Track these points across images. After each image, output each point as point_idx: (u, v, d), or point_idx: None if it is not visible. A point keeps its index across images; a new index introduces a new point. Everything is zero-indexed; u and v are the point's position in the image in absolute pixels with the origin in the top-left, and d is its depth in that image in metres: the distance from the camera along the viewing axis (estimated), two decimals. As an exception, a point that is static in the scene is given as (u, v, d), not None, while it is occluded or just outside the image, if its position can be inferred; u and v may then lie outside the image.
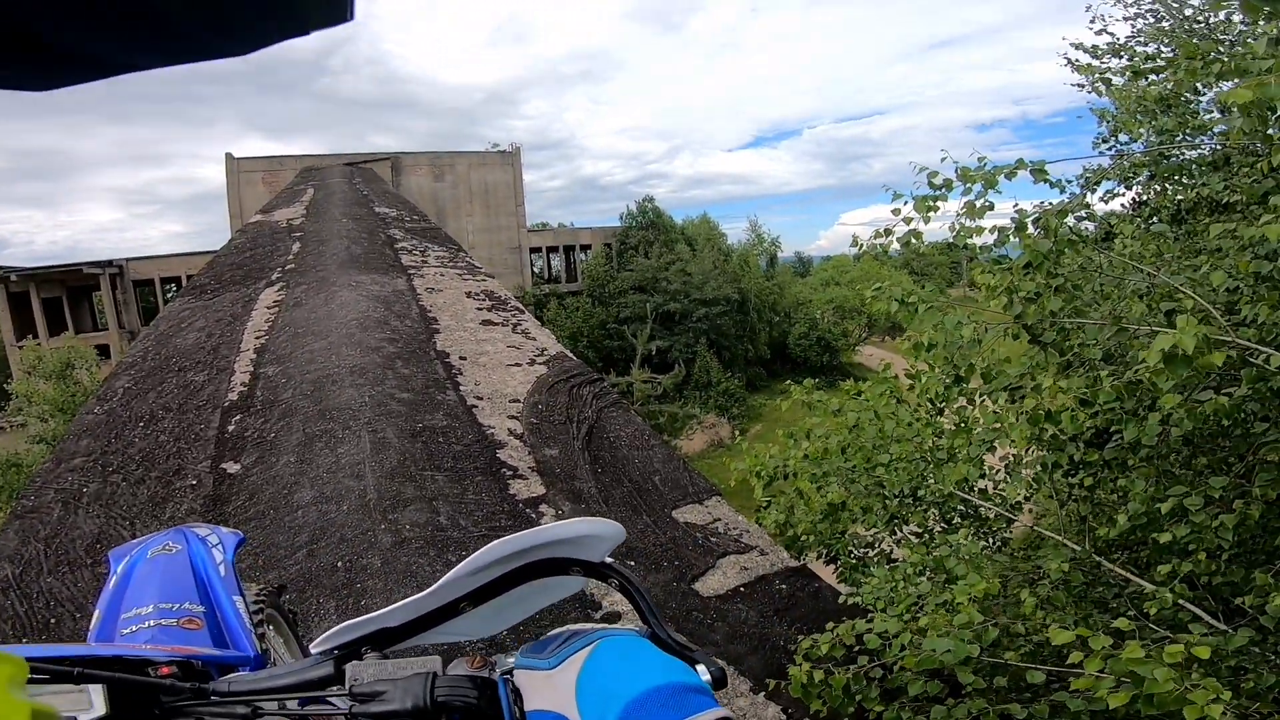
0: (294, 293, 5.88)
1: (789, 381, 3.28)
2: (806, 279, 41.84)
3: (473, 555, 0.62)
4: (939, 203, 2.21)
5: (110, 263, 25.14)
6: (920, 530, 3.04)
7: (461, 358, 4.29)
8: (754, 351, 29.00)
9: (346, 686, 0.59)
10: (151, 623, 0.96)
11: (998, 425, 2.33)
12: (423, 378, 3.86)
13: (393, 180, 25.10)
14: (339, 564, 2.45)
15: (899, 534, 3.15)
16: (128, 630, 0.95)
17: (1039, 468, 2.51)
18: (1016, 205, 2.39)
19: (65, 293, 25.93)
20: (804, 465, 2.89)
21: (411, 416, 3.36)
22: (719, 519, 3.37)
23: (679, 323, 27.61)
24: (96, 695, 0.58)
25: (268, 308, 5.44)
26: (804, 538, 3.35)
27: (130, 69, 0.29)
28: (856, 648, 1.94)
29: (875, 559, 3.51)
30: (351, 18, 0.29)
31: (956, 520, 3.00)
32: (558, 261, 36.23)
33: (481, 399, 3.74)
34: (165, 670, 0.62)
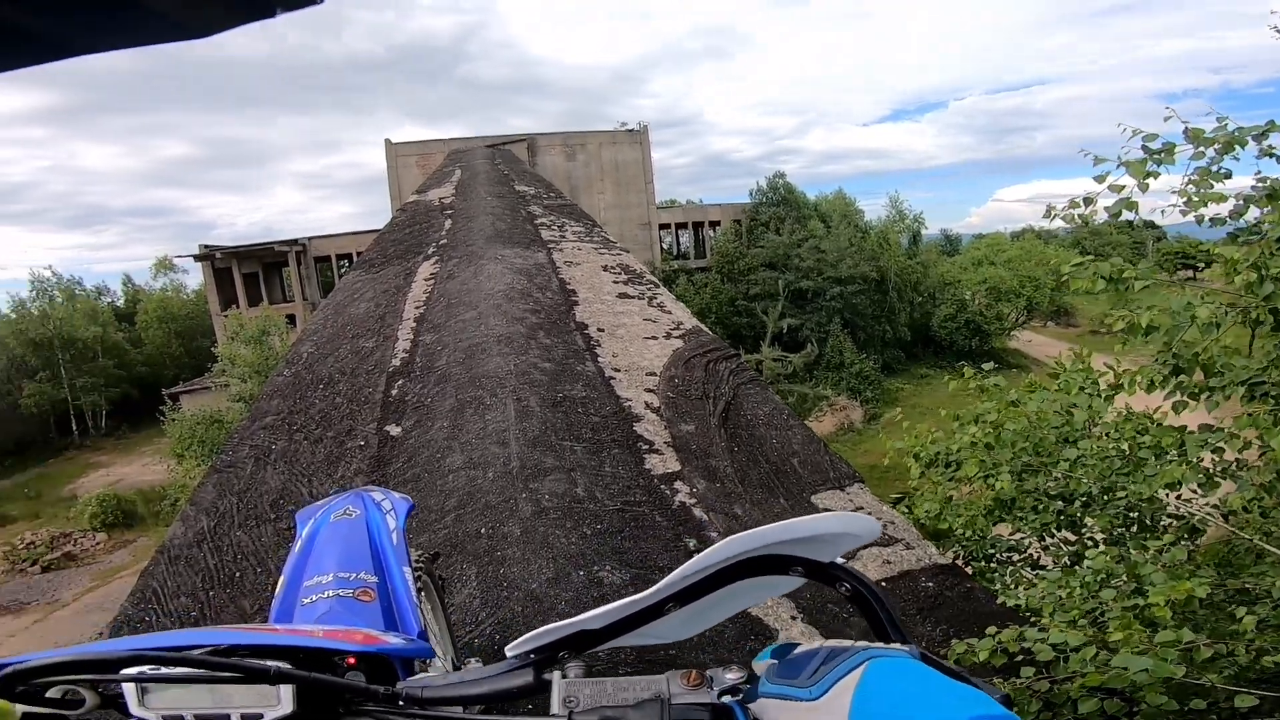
0: (447, 266, 6.26)
1: (930, 367, 3.00)
2: (954, 258, 38.67)
3: (709, 550, 0.54)
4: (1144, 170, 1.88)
5: (296, 241, 28.43)
6: (1105, 534, 2.67)
7: (600, 329, 4.35)
8: (892, 333, 27.32)
9: (557, 701, 0.54)
10: (330, 593, 0.98)
11: (1224, 427, 1.96)
12: (563, 348, 3.95)
13: (529, 160, 26.16)
14: (482, 530, 2.54)
15: (1050, 539, 2.82)
16: (308, 600, 0.98)
17: (1275, 475, 2.10)
18: (1258, 174, 2.00)
19: (261, 268, 29.73)
20: (971, 453, 2.61)
21: (553, 386, 3.44)
22: (861, 507, 3.16)
23: (811, 301, 26.60)
24: (286, 693, 0.57)
25: (425, 280, 5.83)
26: (960, 532, 3.07)
27: (93, 50, 0.28)
28: (1020, 657, 1.72)
29: (1020, 562, 3.22)
30: (320, 0, 0.28)
31: (1147, 526, 2.61)
32: (686, 238, 36.15)
33: (619, 371, 3.76)
34: (351, 661, 0.62)
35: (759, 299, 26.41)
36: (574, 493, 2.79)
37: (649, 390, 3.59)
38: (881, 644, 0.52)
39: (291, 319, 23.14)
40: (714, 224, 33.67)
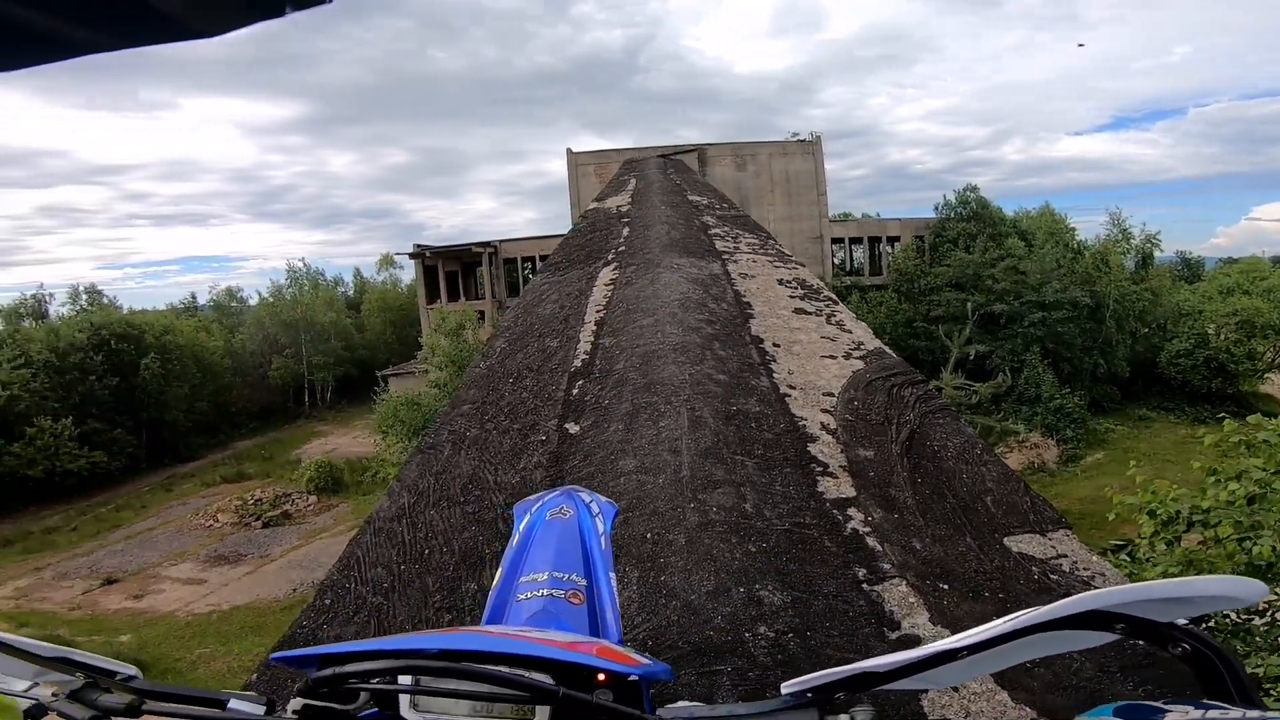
0: (625, 272, 6.48)
1: (1152, 408, 2.52)
2: (1195, 285, 32.88)
3: (1049, 606, 0.50)
4: None
5: (489, 243, 31.29)
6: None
7: (775, 344, 4.25)
8: (1106, 367, 23.84)
9: None
10: (544, 592, 0.99)
11: None
12: (738, 361, 3.91)
13: (700, 170, 26.48)
14: (648, 535, 2.57)
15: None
16: (523, 596, 1.00)
17: None
18: None
19: (460, 267, 33.11)
20: (1226, 513, 2.18)
21: (726, 399, 3.42)
22: (1065, 555, 2.77)
23: (1005, 326, 24.03)
24: (542, 710, 0.57)
25: (605, 285, 6.10)
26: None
27: (100, 49, 0.27)
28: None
29: (1263, 627, 2.63)
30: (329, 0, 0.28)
31: None
32: (860, 253, 34.43)
33: (794, 389, 3.65)
34: (602, 678, 0.61)
35: (941, 321, 24.35)
36: (742, 508, 2.74)
37: (825, 411, 3.44)
38: (1251, 709, 0.45)
39: (482, 315, 25.46)
40: (892, 239, 31.73)
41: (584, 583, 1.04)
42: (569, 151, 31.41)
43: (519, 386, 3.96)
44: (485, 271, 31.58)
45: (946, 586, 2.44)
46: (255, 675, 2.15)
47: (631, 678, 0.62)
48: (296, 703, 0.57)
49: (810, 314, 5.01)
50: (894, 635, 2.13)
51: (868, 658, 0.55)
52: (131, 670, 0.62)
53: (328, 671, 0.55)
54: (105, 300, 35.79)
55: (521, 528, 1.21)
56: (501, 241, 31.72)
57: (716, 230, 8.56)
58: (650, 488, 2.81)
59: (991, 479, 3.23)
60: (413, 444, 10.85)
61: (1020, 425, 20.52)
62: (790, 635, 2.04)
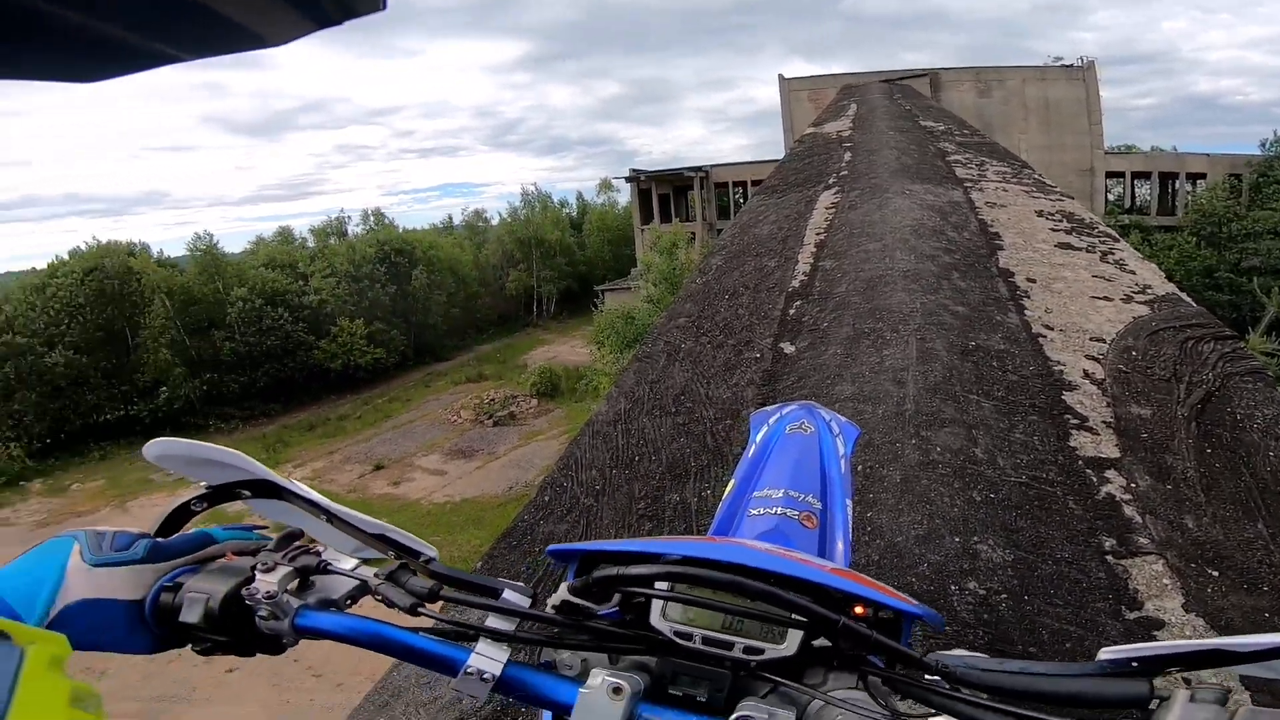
0: (848, 197, 6.07)
1: None
2: None
3: None
4: None
5: (701, 168, 31.42)
6: None
7: (1029, 279, 3.70)
8: None
9: None
10: (779, 510, 0.93)
11: None
12: (980, 293, 3.48)
13: (933, 96, 23.48)
14: (859, 468, 2.45)
15: None
16: (756, 511, 0.95)
17: None
18: None
19: (672, 191, 33.81)
20: None
21: (964, 332, 3.08)
22: None
23: (1355, 286, 18.53)
24: (794, 633, 0.53)
25: (825, 208, 5.76)
26: None
27: (175, 60, 0.28)
28: None
29: None
30: (384, 7, 0.28)
31: None
32: (1146, 190, 28.56)
33: (1051, 329, 3.16)
34: (860, 611, 0.54)
35: (1257, 273, 19.42)
36: (971, 451, 2.49)
37: (1090, 358, 2.94)
38: None
39: (692, 236, 25.80)
40: (1194, 176, 25.67)
41: (819, 505, 0.97)
42: (781, 78, 29.73)
43: (734, 303, 3.95)
44: (696, 195, 31.92)
45: (1216, 573, 2.03)
46: (480, 564, 2.36)
47: (894, 613, 0.55)
48: (557, 597, 0.57)
49: (1079, 249, 4.25)
50: (1132, 615, 1.84)
51: (1224, 635, 0.43)
52: (432, 551, 0.64)
53: (609, 572, 0.55)
54: (387, 221, 42.38)
55: (759, 439, 1.15)
56: (712, 167, 31.65)
57: (956, 157, 7.60)
58: (868, 418, 2.67)
59: (1315, 463, 2.55)
60: (626, 355, 11.49)
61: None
62: (1003, 596, 1.85)
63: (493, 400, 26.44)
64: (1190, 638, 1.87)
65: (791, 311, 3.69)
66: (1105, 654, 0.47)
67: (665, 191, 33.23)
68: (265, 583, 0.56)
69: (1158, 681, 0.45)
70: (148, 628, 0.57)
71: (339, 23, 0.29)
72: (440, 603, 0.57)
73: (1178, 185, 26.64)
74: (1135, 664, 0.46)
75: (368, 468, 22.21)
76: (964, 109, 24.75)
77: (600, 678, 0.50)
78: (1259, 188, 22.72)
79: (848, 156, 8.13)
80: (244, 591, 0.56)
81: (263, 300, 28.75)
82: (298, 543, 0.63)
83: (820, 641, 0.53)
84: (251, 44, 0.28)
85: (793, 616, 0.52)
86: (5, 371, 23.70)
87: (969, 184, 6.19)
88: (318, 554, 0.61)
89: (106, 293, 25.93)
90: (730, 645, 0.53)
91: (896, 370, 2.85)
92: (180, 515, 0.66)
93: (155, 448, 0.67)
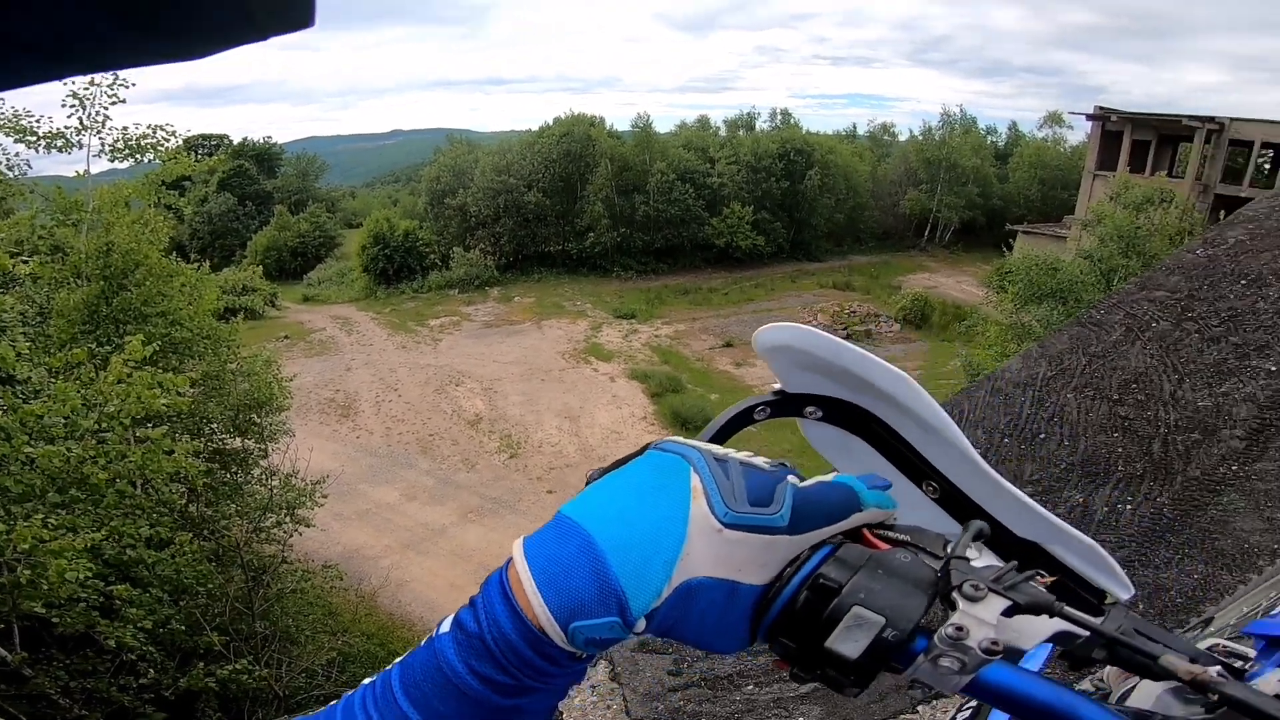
0: None
1: None
2: None
3: None
4: None
5: (1213, 119, 23.66)
6: None
7: None
8: None
9: None
10: None
11: None
12: None
13: None
14: None
15: None
16: None
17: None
18: None
19: (1155, 139, 26.45)
20: None
21: None
22: None
23: None
24: None
25: None
26: None
27: (110, 67, 0.28)
28: None
29: None
30: (312, 24, 0.29)
31: None
32: None
33: None
34: None
35: None
36: None
37: None
38: None
39: (1170, 198, 20.13)
40: None
41: None
42: None
43: (1254, 293, 3.00)
44: (1195, 149, 24.24)
45: None
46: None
47: None
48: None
49: None
50: None
51: None
52: (1127, 593, 0.49)
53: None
54: (791, 122, 42.85)
55: None
56: (1232, 120, 23.32)
57: None
58: None
59: None
60: (1032, 309, 9.89)
61: None
62: None
63: (853, 313, 26.04)
64: None
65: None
66: None
67: (1145, 138, 26.12)
68: (977, 624, 0.37)
69: None
70: (753, 624, 0.41)
71: (264, 38, 0.29)
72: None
73: None
74: None
75: (720, 342, 24.21)
76: None
77: None
78: None
79: None
80: (937, 633, 0.38)
81: (676, 175, 32.43)
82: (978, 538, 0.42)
83: None
84: (172, 58, 0.28)
85: None
86: (499, 202, 31.79)
87: None
88: (1048, 581, 0.42)
89: (570, 153, 32.46)
90: None
91: None
92: (738, 423, 0.55)
93: (774, 334, 0.54)
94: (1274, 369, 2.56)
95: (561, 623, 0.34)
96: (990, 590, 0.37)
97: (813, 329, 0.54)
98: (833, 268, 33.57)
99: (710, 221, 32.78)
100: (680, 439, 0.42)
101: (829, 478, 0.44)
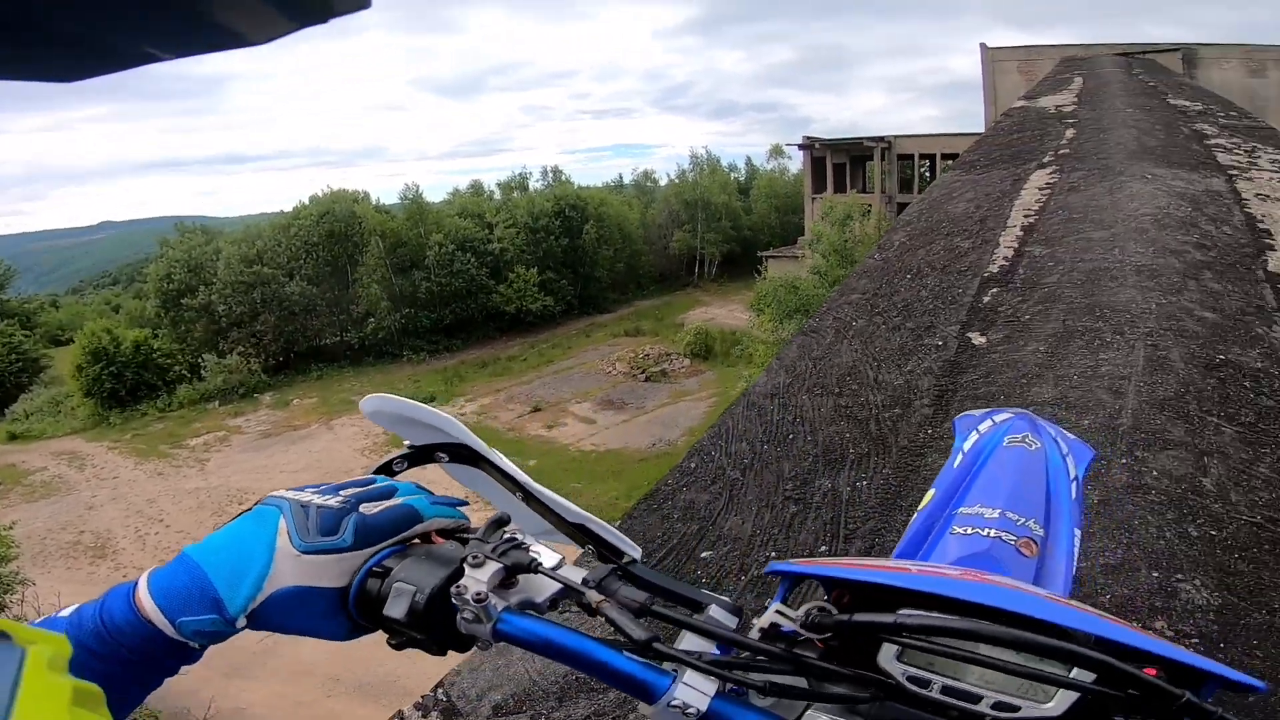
0: (1069, 178, 5.34)
1: None
2: None
3: None
4: None
5: (883, 138, 29.38)
6: None
7: (1311, 287, 3.02)
8: None
9: None
10: (992, 531, 0.83)
11: None
12: (1239, 299, 2.90)
13: (1185, 73, 19.66)
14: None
15: None
16: (962, 529, 0.85)
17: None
18: None
19: (848, 160, 32.07)
20: None
21: (1211, 343, 2.59)
22: None
23: None
24: (1064, 694, 0.44)
25: (1038, 189, 5.11)
26: None
27: (154, 60, 0.28)
28: None
29: None
30: (369, 5, 0.28)
31: None
32: None
33: (1333, 352, 2.57)
34: (1151, 671, 0.43)
35: None
36: (1198, 481, 2.12)
37: (1389, 391, 2.35)
38: None
39: (867, 210, 24.44)
40: None
41: (1041, 532, 0.85)
42: (983, 47, 26.76)
43: (917, 284, 3.65)
44: (875, 166, 29.93)
45: None
46: (618, 523, 2.44)
47: (1198, 672, 0.44)
48: (766, 619, 0.51)
49: (1389, 254, 3.39)
50: None
51: None
52: (637, 552, 0.59)
53: (884, 619, 0.46)
54: (563, 178, 44.66)
55: (966, 447, 1.03)
56: (896, 137, 29.37)
57: (1218, 140, 6.39)
58: (1069, 428, 2.35)
59: None
60: (786, 325, 11.23)
61: None
62: (1195, 640, 1.63)
63: (647, 356, 27.13)
64: None
65: (986, 299, 3.33)
66: None
67: (841, 161, 31.55)
68: (475, 581, 0.51)
69: None
70: (348, 614, 0.54)
71: (324, 20, 0.29)
72: (648, 618, 0.50)
73: None
74: None
75: (527, 408, 23.86)
76: (1229, 90, 20.59)
77: None
78: None
79: (1070, 133, 7.18)
80: (452, 589, 0.51)
81: (455, 245, 31.74)
82: (505, 532, 0.56)
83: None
84: (233, 43, 0.28)
85: (1072, 678, 0.43)
86: (254, 296, 28.40)
87: (1234, 173, 5.17)
88: (527, 548, 0.55)
89: (335, 233, 30.15)
90: (976, 699, 0.46)
91: (1115, 378, 2.48)
92: (384, 473, 0.65)
93: (371, 403, 0.68)
94: (940, 344, 3.10)
95: (170, 617, 0.48)
96: (487, 558, 0.52)
97: (388, 396, 0.67)
98: (621, 316, 35.10)
99: (497, 289, 32.50)
100: (282, 492, 0.56)
101: (396, 501, 0.57)
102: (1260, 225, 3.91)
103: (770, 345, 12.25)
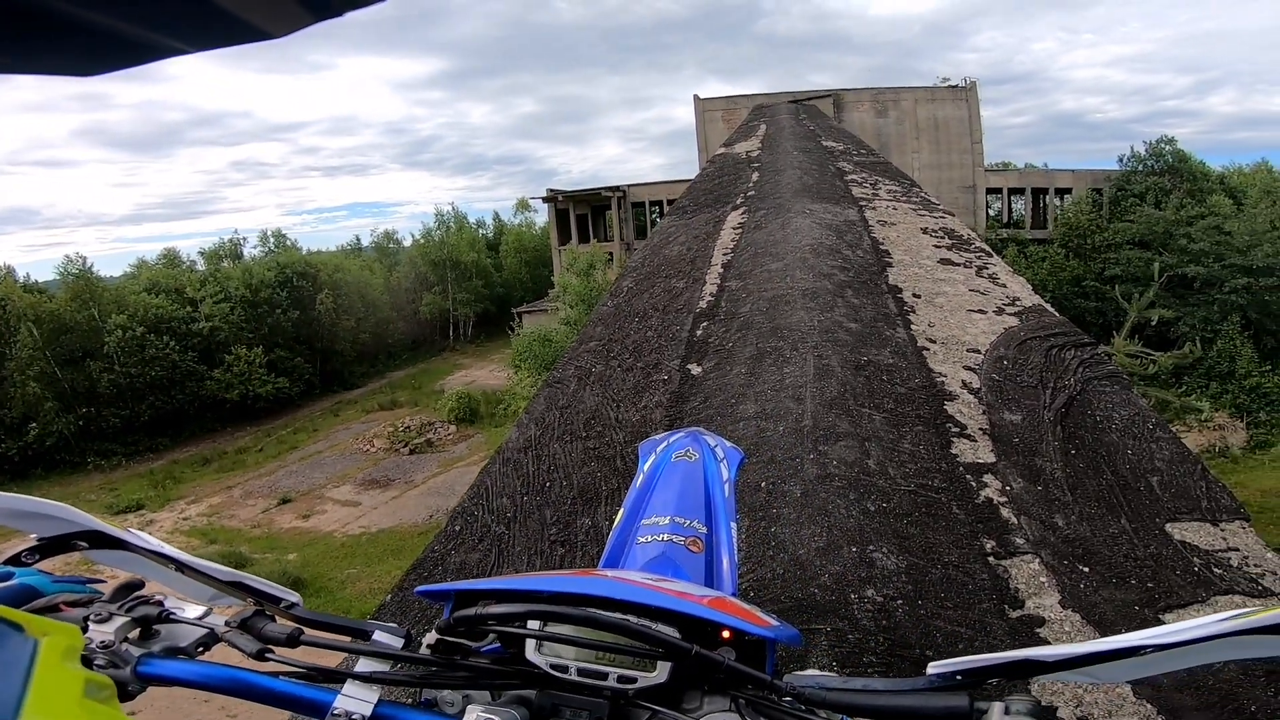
0: (754, 216, 6.30)
1: None
2: None
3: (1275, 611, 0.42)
4: None
5: (618, 188, 31.80)
6: None
7: (915, 295, 3.96)
8: (1326, 345, 20.18)
9: None
10: (665, 536, 0.96)
11: None
12: (872, 310, 3.69)
13: (835, 116, 25.01)
14: (762, 484, 2.52)
15: None
16: (644, 539, 0.97)
17: None
18: None
19: (590, 210, 33.97)
20: None
21: (857, 348, 3.25)
22: (1236, 549, 2.40)
23: (1198, 291, 20.90)
24: (664, 666, 0.55)
25: (733, 228, 5.96)
26: None
27: (178, 53, 0.28)
28: None
29: None
30: None
31: None
32: (1021, 205, 31.44)
33: (934, 342, 3.39)
34: (726, 635, 0.58)
35: (1118, 281, 21.56)
36: (865, 464, 2.62)
37: (968, 369, 3.17)
38: None
39: (611, 256, 26.03)
40: (1061, 191, 28.50)
41: (704, 530, 1.00)
42: (696, 98, 30.75)
43: (644, 325, 4.00)
44: (614, 215, 32.19)
45: (1087, 569, 2.22)
46: (390, 597, 2.31)
47: (756, 638, 0.59)
48: (431, 636, 0.59)
49: (958, 265, 4.59)
50: (1015, 614, 1.97)
51: (1031, 645, 0.51)
52: (294, 597, 0.65)
53: (469, 612, 0.56)
54: (288, 243, 40.30)
55: (646, 467, 1.18)
56: (629, 186, 32.06)
57: (853, 176, 8.06)
58: (770, 435, 2.76)
59: (1162, 458, 2.85)
60: (543, 378, 11.42)
61: (1204, 403, 17.91)
62: (899, 602, 1.93)
63: (408, 428, 25.53)
64: (1069, 633, 2.03)
65: (699, 333, 3.77)
66: (933, 668, 0.52)
67: (583, 211, 33.34)
68: (100, 633, 0.56)
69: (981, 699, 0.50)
70: None
71: (340, 14, 0.30)
72: (298, 647, 0.58)
73: (1048, 200, 29.31)
74: (960, 677, 0.51)
75: (273, 502, 20.92)
76: (863, 129, 26.32)
77: (475, 715, 0.52)
78: (1117, 201, 25.32)
79: (755, 176, 8.43)
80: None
81: (145, 328, 26.60)
82: (137, 593, 0.61)
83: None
84: (254, 36, 0.28)
85: (663, 647, 0.54)
86: None
87: (864, 203, 6.56)
88: (159, 603, 0.60)
89: (-39, 324, 23.40)
90: (604, 676, 0.55)
91: (796, 387, 2.97)
92: (15, 564, 0.67)
93: None
94: (665, 378, 3.43)
95: None
96: (113, 614, 0.57)
97: None
98: (373, 390, 32.47)
99: (211, 374, 27.82)
100: None
101: (13, 582, 0.62)
102: (882, 247, 5.03)
103: (530, 400, 12.30)
